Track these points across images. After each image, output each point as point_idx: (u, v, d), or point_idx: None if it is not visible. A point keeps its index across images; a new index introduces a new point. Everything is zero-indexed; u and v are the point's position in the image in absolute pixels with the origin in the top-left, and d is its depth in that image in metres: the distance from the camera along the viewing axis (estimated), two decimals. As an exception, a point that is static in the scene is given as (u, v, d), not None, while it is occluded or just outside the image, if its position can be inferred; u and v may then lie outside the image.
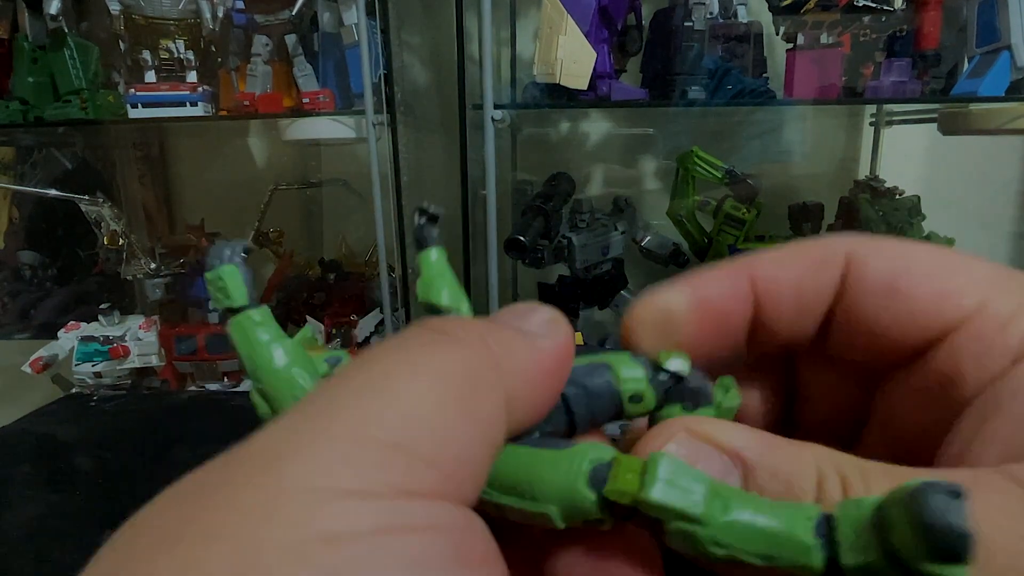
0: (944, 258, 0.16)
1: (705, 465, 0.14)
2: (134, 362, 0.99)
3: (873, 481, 0.13)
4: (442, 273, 0.20)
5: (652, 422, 0.17)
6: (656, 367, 0.16)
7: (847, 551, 0.11)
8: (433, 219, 0.21)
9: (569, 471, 0.14)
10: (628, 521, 0.14)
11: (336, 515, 0.11)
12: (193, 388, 1.02)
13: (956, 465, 0.14)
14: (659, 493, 0.13)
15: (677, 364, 0.16)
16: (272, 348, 0.17)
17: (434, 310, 0.20)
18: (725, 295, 0.17)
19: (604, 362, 0.16)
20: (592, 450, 0.14)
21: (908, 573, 0.11)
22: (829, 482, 0.13)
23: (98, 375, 0.99)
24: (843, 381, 0.19)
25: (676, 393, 0.16)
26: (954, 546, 0.10)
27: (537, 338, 0.15)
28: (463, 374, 0.13)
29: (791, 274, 0.17)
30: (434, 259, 0.20)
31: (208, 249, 0.16)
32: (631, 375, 0.16)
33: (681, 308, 0.17)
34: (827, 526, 0.12)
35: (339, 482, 0.11)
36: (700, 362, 0.17)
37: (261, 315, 0.17)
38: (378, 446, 0.12)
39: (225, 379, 1.02)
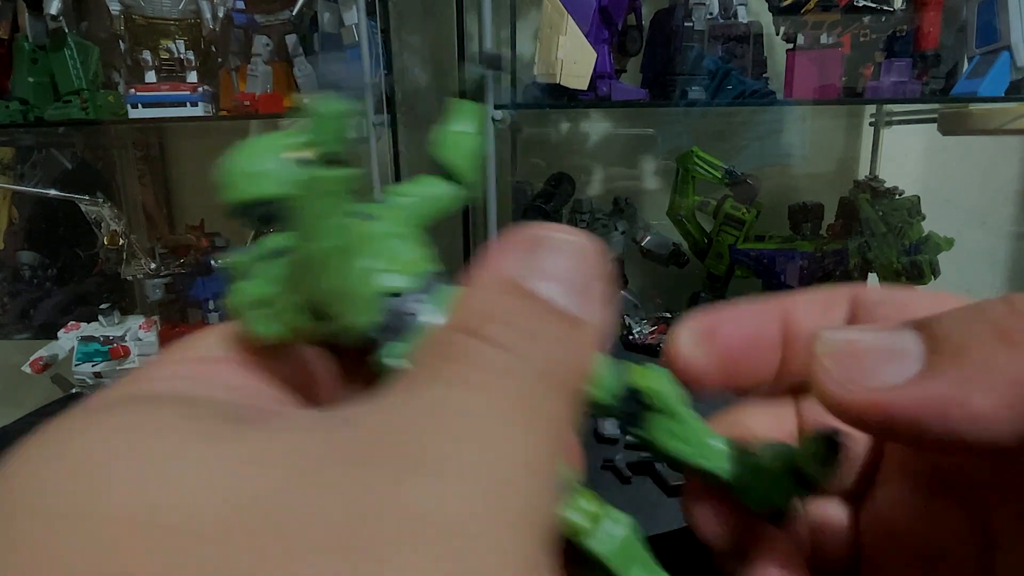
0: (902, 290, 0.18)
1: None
2: (134, 362, 0.99)
3: None
4: (477, 135, 0.17)
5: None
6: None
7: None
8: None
9: None
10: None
11: None
12: (193, 388, 1.02)
13: None
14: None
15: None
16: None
17: (442, 171, 0.17)
18: (766, 328, 0.18)
19: None
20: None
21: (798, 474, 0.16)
22: None
23: (98, 375, 0.99)
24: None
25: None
26: (833, 439, 0.15)
27: (590, 327, 0.13)
28: (552, 420, 0.12)
29: (813, 313, 0.18)
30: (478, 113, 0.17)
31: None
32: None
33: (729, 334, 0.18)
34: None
35: None
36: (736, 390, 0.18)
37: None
38: (515, 542, 0.10)
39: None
